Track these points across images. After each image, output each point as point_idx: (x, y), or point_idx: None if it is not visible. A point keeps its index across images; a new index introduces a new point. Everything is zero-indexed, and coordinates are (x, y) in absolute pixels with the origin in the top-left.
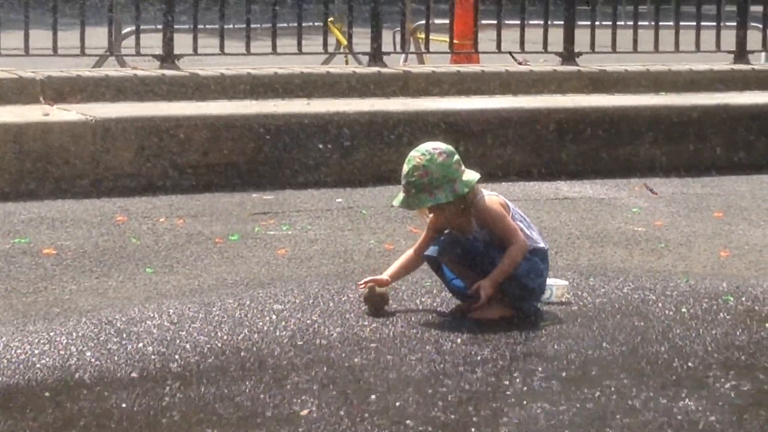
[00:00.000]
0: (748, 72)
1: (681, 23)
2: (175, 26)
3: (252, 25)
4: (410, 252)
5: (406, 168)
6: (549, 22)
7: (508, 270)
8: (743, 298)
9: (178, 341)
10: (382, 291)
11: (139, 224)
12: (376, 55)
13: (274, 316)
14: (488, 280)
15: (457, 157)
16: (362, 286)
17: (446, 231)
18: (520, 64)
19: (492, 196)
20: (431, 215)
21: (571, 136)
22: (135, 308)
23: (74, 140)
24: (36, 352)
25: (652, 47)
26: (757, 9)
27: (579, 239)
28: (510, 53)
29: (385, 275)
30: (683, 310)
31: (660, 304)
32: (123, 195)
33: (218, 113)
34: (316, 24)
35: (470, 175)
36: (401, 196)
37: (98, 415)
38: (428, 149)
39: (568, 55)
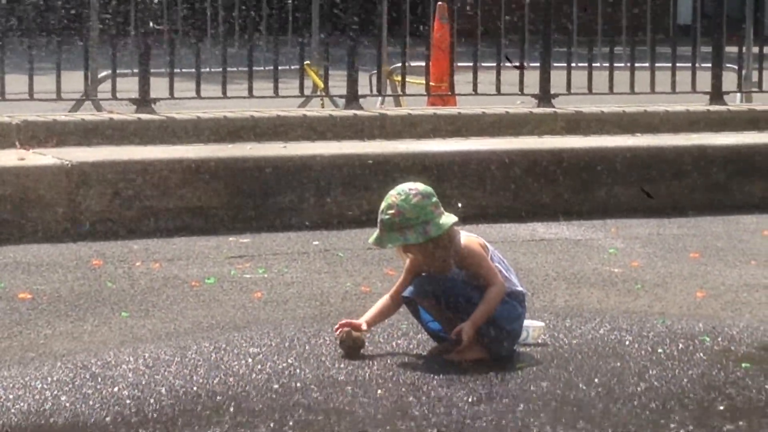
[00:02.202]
0: (724, 113)
1: (657, 64)
2: (152, 70)
3: (228, 69)
4: (386, 297)
5: (382, 205)
6: (525, 64)
7: (487, 312)
8: (719, 339)
9: (153, 385)
10: (357, 334)
11: (114, 268)
12: (352, 98)
13: (250, 360)
14: (469, 322)
15: (435, 199)
16: (338, 330)
17: (423, 273)
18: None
19: (471, 237)
20: (409, 256)
21: (548, 177)
22: (110, 352)
23: (50, 184)
24: (11, 396)
25: (628, 88)
26: (732, 50)
27: (555, 280)
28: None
29: (361, 320)
30: (660, 350)
31: (636, 345)
32: (99, 239)
33: (194, 157)
34: (292, 67)
35: (447, 218)
36: (376, 233)
37: None
38: (405, 189)
39: (545, 96)
